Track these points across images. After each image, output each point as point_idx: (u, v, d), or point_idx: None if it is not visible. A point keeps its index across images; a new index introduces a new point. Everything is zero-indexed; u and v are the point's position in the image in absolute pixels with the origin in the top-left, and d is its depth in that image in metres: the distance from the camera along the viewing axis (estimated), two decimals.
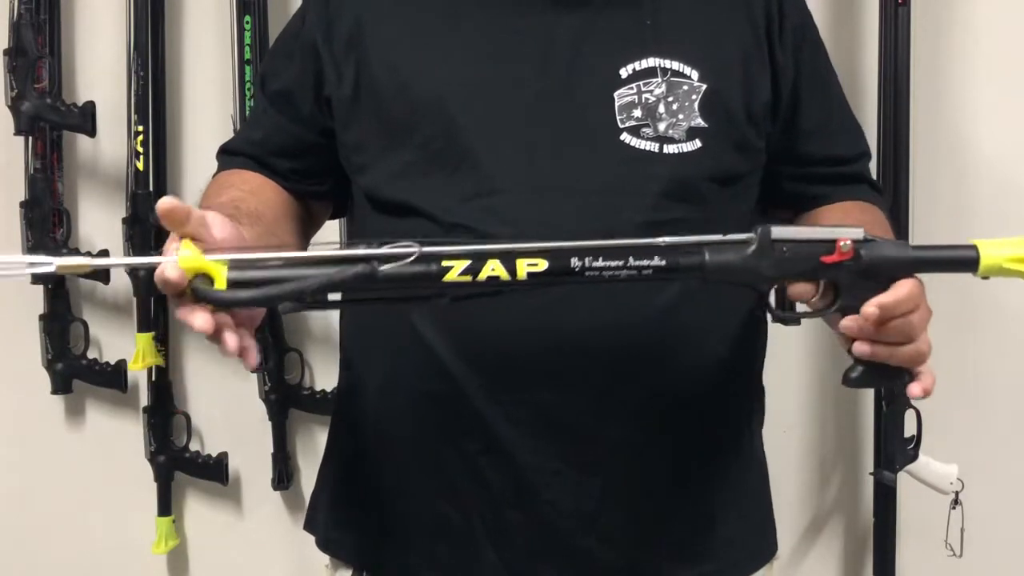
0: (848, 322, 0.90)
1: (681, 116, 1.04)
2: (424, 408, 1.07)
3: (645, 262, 0.86)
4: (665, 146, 1.04)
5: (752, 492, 1.17)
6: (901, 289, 0.89)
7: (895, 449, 1.53)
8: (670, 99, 1.04)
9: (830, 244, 0.88)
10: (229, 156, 1.18)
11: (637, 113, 1.04)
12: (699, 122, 1.04)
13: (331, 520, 1.18)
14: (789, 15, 1.10)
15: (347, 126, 1.11)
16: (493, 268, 0.85)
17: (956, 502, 1.54)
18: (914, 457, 1.53)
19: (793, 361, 1.69)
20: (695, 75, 1.05)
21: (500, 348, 1.03)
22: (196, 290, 0.79)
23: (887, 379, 0.92)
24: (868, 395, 1.62)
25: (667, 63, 1.05)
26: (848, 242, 0.88)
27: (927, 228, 1.54)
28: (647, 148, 1.03)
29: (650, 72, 1.05)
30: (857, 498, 1.70)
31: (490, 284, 0.85)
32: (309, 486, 1.78)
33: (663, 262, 0.86)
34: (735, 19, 1.09)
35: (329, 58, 1.10)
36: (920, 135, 1.52)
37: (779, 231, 0.88)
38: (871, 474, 1.59)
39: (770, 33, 1.09)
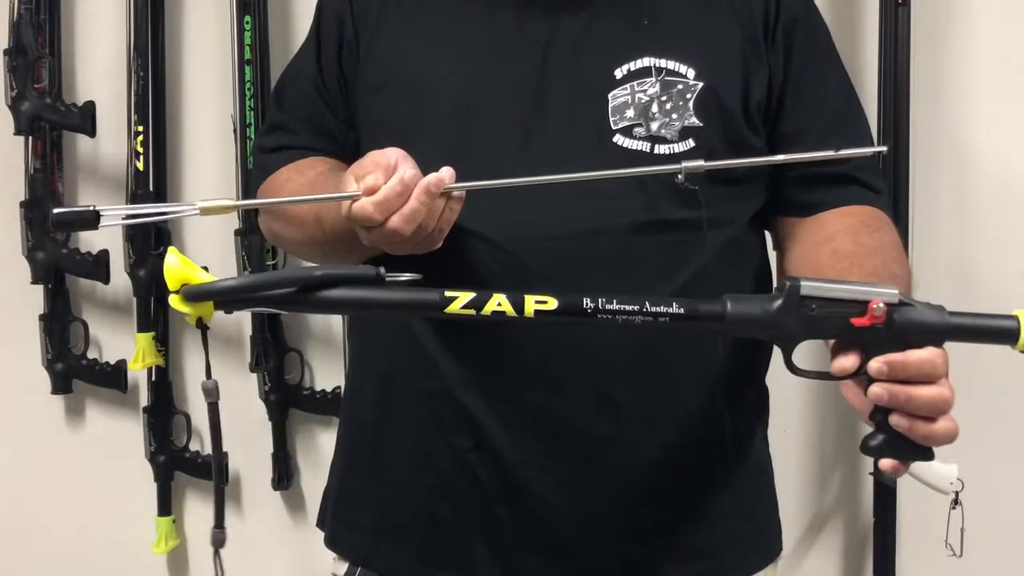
0: (878, 389, 0.85)
1: (675, 115, 1.04)
2: (417, 405, 1.08)
3: (662, 308, 0.85)
4: (656, 146, 1.03)
5: (753, 491, 1.16)
6: (918, 352, 0.84)
7: None
8: (663, 98, 1.04)
9: (862, 306, 0.84)
10: (275, 153, 1.18)
11: (630, 113, 1.03)
12: (693, 121, 1.04)
13: (335, 516, 1.19)
14: (783, 15, 1.09)
15: (355, 112, 1.13)
16: (499, 303, 0.85)
17: (956, 502, 1.53)
18: None
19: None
20: (691, 73, 1.05)
21: (489, 345, 1.03)
22: (186, 289, 0.83)
23: (909, 453, 0.87)
24: None
25: (662, 62, 1.04)
26: (881, 305, 0.83)
27: (927, 228, 1.54)
28: (638, 148, 1.03)
29: (644, 72, 1.04)
30: (857, 498, 1.70)
31: (494, 319, 0.85)
32: (309, 486, 1.79)
33: (681, 309, 0.85)
34: (735, 18, 1.08)
35: (353, 43, 1.13)
36: (920, 135, 1.52)
37: (809, 287, 0.84)
38: (871, 474, 1.59)
39: (766, 33, 1.08)
